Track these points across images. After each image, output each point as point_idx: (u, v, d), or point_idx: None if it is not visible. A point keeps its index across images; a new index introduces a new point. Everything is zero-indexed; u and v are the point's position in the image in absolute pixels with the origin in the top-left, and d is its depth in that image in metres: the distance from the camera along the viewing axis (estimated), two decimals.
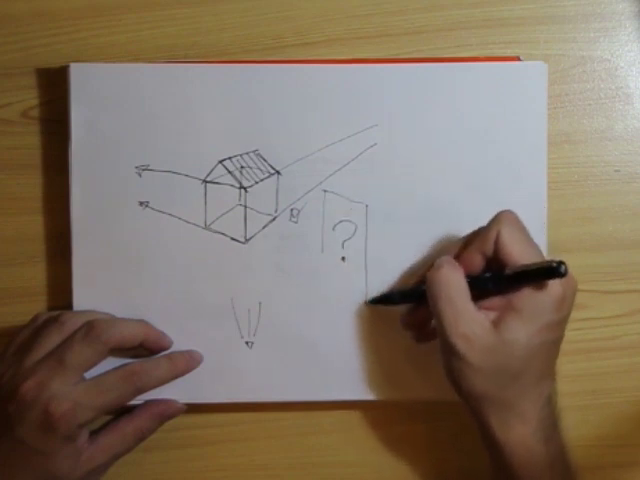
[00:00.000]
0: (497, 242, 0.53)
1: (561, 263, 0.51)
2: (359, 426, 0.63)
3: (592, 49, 0.62)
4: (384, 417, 0.63)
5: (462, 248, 0.56)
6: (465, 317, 0.52)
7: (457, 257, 0.56)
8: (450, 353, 0.53)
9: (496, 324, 0.52)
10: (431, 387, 0.59)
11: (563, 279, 0.52)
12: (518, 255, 0.53)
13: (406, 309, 0.59)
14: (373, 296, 0.60)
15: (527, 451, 0.53)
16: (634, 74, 0.63)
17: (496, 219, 0.54)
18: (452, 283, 0.53)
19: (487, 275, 0.54)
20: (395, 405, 0.62)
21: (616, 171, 0.63)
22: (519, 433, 0.53)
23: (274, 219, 0.60)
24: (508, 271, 0.53)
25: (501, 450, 0.54)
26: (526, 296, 0.52)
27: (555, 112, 0.62)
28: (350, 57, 0.61)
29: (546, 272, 0.51)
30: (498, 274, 0.53)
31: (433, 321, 0.56)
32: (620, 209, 0.63)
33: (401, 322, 0.59)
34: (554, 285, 0.52)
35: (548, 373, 0.55)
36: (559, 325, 0.54)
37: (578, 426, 0.62)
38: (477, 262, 0.55)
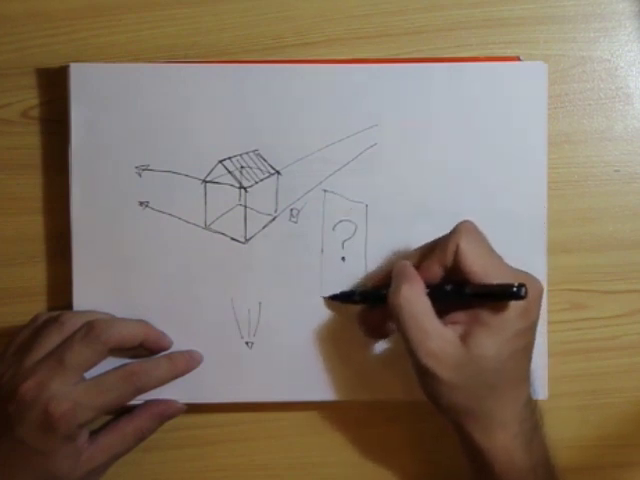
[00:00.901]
0: (457, 255, 0.53)
1: (521, 286, 0.51)
2: (358, 426, 0.63)
3: (592, 49, 0.62)
4: (384, 417, 0.63)
5: (421, 257, 0.56)
6: (432, 336, 0.52)
7: (416, 267, 0.55)
8: (422, 373, 0.53)
9: (463, 339, 0.52)
10: None
11: (529, 282, 0.52)
12: (479, 270, 0.53)
13: (362, 308, 0.59)
14: (333, 292, 0.60)
15: (509, 457, 0.53)
16: (634, 74, 0.63)
17: (455, 231, 0.54)
18: (415, 303, 0.53)
19: (448, 288, 0.54)
20: (395, 405, 0.62)
21: (616, 171, 0.63)
22: (501, 439, 0.53)
23: (274, 219, 0.60)
24: (469, 290, 0.53)
25: (483, 457, 0.54)
26: (491, 309, 0.52)
27: (555, 112, 0.62)
28: (350, 57, 0.61)
29: (507, 294, 0.51)
30: (459, 288, 0.53)
31: (390, 324, 0.56)
32: (620, 209, 0.63)
33: (357, 319, 0.59)
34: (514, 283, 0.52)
35: (523, 378, 0.55)
36: (528, 332, 0.54)
37: (578, 426, 0.63)
38: (436, 273, 0.54)
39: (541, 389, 0.60)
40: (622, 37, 0.63)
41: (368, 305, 0.59)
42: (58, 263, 0.61)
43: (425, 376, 0.53)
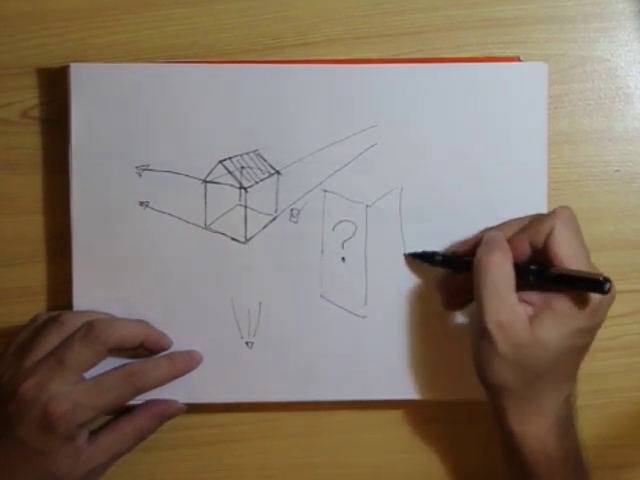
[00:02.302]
0: (549, 238, 0.53)
1: (607, 280, 0.51)
2: (359, 426, 0.63)
3: (592, 49, 0.62)
4: (384, 417, 0.63)
5: (511, 230, 0.56)
6: (507, 308, 0.52)
7: (508, 239, 0.55)
8: (483, 339, 0.53)
9: (532, 320, 0.52)
10: (432, 387, 0.59)
11: None
12: (566, 256, 0.53)
13: (444, 273, 0.59)
14: (414, 250, 0.60)
15: (541, 444, 0.54)
16: (634, 74, 0.63)
17: (554, 214, 0.54)
18: (502, 271, 0.53)
19: (532, 267, 0.54)
20: (395, 405, 0.62)
21: (616, 171, 0.63)
22: (535, 426, 0.54)
23: (274, 219, 0.60)
24: (553, 271, 0.53)
25: (515, 441, 0.54)
26: (565, 298, 0.52)
27: (555, 112, 0.62)
28: (350, 57, 0.61)
29: (590, 285, 0.51)
30: (542, 270, 0.53)
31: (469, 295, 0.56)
32: (620, 209, 0.63)
33: (437, 285, 0.59)
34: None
35: (571, 375, 0.55)
36: (590, 332, 0.54)
37: (578, 426, 0.62)
38: (525, 250, 0.54)
39: None
40: (622, 37, 0.63)
41: (449, 270, 0.59)
42: (58, 263, 0.61)
43: (485, 343, 0.53)
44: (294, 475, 0.63)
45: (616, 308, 0.62)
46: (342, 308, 0.60)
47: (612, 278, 0.62)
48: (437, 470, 0.63)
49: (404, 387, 0.61)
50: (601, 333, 0.62)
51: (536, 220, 0.55)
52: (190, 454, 0.63)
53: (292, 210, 0.60)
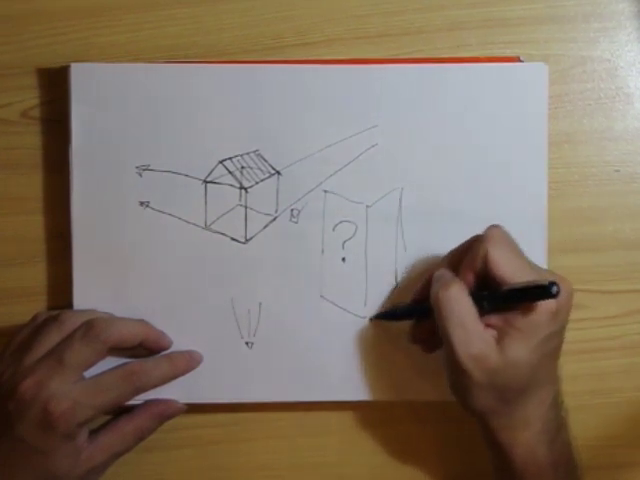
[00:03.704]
0: (487, 261, 0.53)
1: (552, 284, 0.51)
2: (359, 426, 0.63)
3: (592, 49, 0.62)
4: (384, 417, 0.63)
5: (450, 265, 0.56)
6: (475, 338, 0.52)
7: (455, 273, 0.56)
8: (458, 372, 0.53)
9: (497, 342, 0.52)
10: (431, 388, 0.59)
11: (560, 282, 0.52)
12: (507, 275, 0.53)
13: (411, 325, 0.59)
14: (377, 312, 0.60)
15: (531, 453, 0.54)
16: (634, 74, 0.63)
17: (484, 237, 0.54)
18: (462, 303, 0.53)
19: (484, 293, 0.54)
20: (395, 405, 0.62)
21: (616, 171, 0.63)
22: (523, 436, 0.54)
23: (274, 219, 0.60)
24: (502, 291, 0.53)
25: (504, 453, 0.54)
26: (523, 313, 0.52)
27: (555, 112, 0.62)
28: (350, 57, 0.61)
29: (539, 292, 0.51)
30: (493, 293, 0.53)
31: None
32: (620, 209, 0.63)
33: (408, 338, 0.60)
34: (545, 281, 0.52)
35: (550, 379, 0.55)
36: (558, 334, 0.54)
37: (578, 426, 0.62)
38: (469, 280, 0.55)
39: None
40: (622, 37, 0.63)
41: (415, 318, 0.59)
42: (58, 263, 0.61)
43: (460, 375, 0.53)
44: (295, 475, 0.63)
45: (616, 308, 0.62)
46: (342, 308, 0.60)
47: (612, 278, 0.62)
48: (442, 469, 0.63)
49: (405, 388, 0.61)
50: (601, 333, 0.63)
51: (471, 247, 0.55)
52: (190, 454, 0.63)
53: (292, 210, 0.60)
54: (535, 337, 0.52)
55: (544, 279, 0.52)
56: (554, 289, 0.50)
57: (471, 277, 0.54)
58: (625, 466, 0.63)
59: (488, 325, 0.53)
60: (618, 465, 0.63)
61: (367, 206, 0.60)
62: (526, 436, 0.54)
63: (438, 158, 0.60)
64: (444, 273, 0.55)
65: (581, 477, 0.57)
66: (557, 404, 0.55)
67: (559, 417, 0.55)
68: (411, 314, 0.59)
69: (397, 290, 0.60)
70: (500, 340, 0.52)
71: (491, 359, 0.52)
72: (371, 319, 0.60)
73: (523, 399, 0.53)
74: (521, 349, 0.52)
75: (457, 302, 0.53)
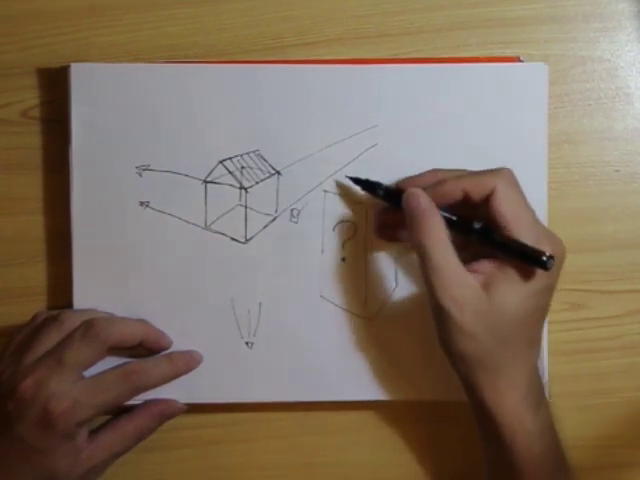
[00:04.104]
0: (492, 196, 0.53)
1: (550, 257, 0.51)
2: (359, 426, 0.63)
3: (592, 49, 0.62)
4: (384, 417, 0.63)
5: (451, 174, 0.55)
6: (455, 280, 0.52)
7: (439, 182, 0.55)
8: (441, 316, 0.53)
9: (486, 287, 0.52)
10: (431, 387, 0.59)
11: (553, 246, 0.52)
12: (511, 217, 0.53)
13: (383, 206, 0.59)
14: (356, 177, 0.59)
15: (518, 419, 0.53)
16: (634, 74, 0.63)
17: (495, 173, 0.54)
18: (439, 247, 0.52)
19: (475, 226, 0.53)
20: (395, 405, 0.62)
21: (616, 171, 0.63)
22: (509, 400, 0.53)
23: (274, 219, 0.60)
24: (497, 237, 0.52)
25: (491, 419, 0.54)
26: (516, 262, 0.52)
27: (555, 112, 0.62)
28: (350, 57, 0.61)
29: (533, 258, 0.51)
30: (486, 231, 0.53)
31: (406, 233, 0.55)
32: (620, 209, 0.63)
33: (374, 212, 0.59)
34: (546, 250, 0.52)
35: (536, 340, 0.55)
36: (547, 292, 0.54)
37: (578, 426, 0.62)
38: (456, 197, 0.54)
39: None
40: (622, 37, 0.63)
41: (389, 204, 0.58)
42: (58, 263, 0.61)
43: (443, 320, 0.53)
44: (294, 475, 0.63)
45: (616, 308, 0.62)
46: (342, 308, 0.60)
47: (612, 278, 0.62)
48: (442, 469, 0.63)
49: (405, 388, 0.61)
50: (601, 333, 0.63)
51: (478, 174, 0.54)
52: (190, 454, 0.63)
53: (292, 210, 0.60)
54: (526, 288, 0.52)
55: (542, 237, 0.52)
56: (549, 263, 0.51)
57: (459, 194, 0.54)
58: (625, 466, 0.63)
59: (477, 270, 0.53)
60: (618, 465, 0.63)
61: (367, 206, 0.60)
62: (513, 399, 0.53)
63: (438, 158, 0.60)
64: (418, 199, 0.54)
65: (564, 444, 0.56)
66: (538, 370, 0.55)
67: (541, 384, 0.55)
68: (390, 199, 0.57)
69: (397, 290, 0.60)
70: (489, 285, 0.52)
71: (473, 300, 0.52)
72: (347, 177, 0.59)
73: (509, 354, 0.53)
74: (509, 296, 0.52)
75: (433, 246, 0.52)
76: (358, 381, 0.60)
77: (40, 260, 0.62)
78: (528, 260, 0.52)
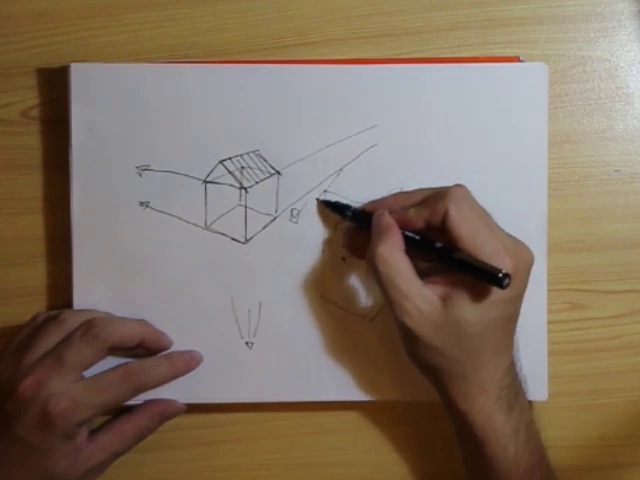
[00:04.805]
0: (445, 220, 0.53)
1: (505, 276, 0.50)
2: (358, 426, 0.63)
3: (592, 49, 0.62)
4: (384, 417, 0.63)
5: (409, 201, 0.56)
6: (410, 295, 0.52)
7: (402, 208, 0.55)
8: (402, 331, 0.53)
9: (444, 300, 0.52)
10: (431, 388, 0.59)
11: (516, 254, 0.52)
12: (465, 236, 0.52)
13: (351, 226, 0.59)
14: (329, 199, 0.60)
15: (488, 420, 0.54)
16: (634, 74, 0.63)
17: (446, 194, 0.54)
18: (391, 263, 0.53)
19: (437, 245, 0.53)
20: (395, 405, 0.62)
21: (616, 171, 0.63)
22: (479, 403, 0.54)
23: (274, 219, 0.60)
24: (456, 255, 0.52)
25: (464, 420, 0.54)
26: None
27: (555, 112, 0.62)
28: (350, 57, 0.61)
29: (488, 277, 0.51)
30: (444, 249, 0.53)
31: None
32: (620, 209, 0.63)
33: (342, 235, 0.59)
34: (505, 262, 0.52)
35: (505, 345, 0.55)
36: (513, 301, 0.54)
37: (578, 426, 0.63)
38: (419, 225, 0.54)
39: (541, 389, 0.60)
40: (622, 37, 0.63)
41: (356, 225, 0.58)
42: (58, 263, 0.61)
43: (405, 334, 0.53)
44: (294, 475, 0.63)
45: (616, 308, 0.62)
46: (342, 308, 0.60)
47: (612, 278, 0.62)
48: (442, 469, 0.63)
49: (405, 388, 0.61)
50: (601, 333, 0.63)
51: (432, 199, 0.54)
52: (190, 454, 0.63)
53: (292, 210, 0.60)
54: (485, 300, 0.52)
55: (502, 249, 0.52)
56: (505, 282, 0.50)
57: (421, 223, 0.54)
58: (625, 466, 0.63)
59: (436, 282, 0.53)
60: (618, 465, 0.63)
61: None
62: (482, 403, 0.53)
63: (438, 158, 0.60)
64: (381, 219, 0.55)
65: (544, 446, 0.56)
66: (513, 372, 0.55)
67: (515, 385, 0.55)
68: (356, 220, 0.58)
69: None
70: (447, 298, 0.52)
71: (431, 315, 0.52)
72: (319, 200, 0.60)
73: (475, 362, 0.53)
74: (468, 309, 0.52)
75: (386, 262, 0.53)
76: (358, 381, 0.60)
77: (40, 260, 0.62)
78: (484, 279, 0.51)
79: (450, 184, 0.59)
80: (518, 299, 0.54)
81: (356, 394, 0.61)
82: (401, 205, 0.56)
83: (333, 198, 0.60)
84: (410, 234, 0.55)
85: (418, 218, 0.54)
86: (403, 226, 0.55)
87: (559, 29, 0.62)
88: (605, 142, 0.63)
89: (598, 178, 0.63)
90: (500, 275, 0.50)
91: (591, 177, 0.63)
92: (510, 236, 0.54)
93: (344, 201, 0.59)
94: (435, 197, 0.54)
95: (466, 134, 0.60)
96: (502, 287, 0.50)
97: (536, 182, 0.60)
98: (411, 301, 0.52)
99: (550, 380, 0.61)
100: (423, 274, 0.54)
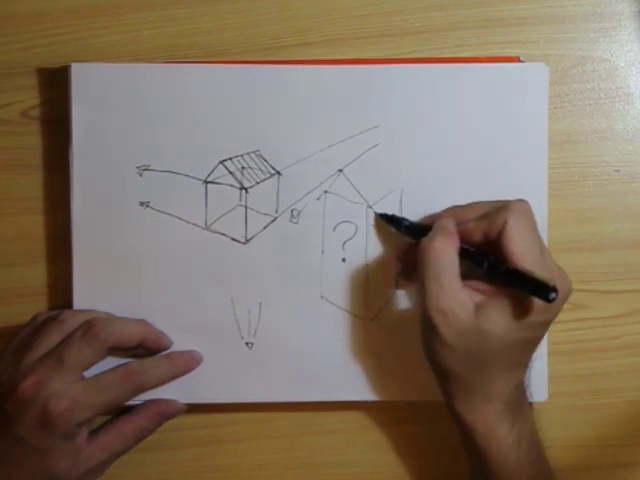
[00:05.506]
0: (502, 232, 0.53)
1: (554, 290, 0.50)
2: (359, 426, 0.63)
3: (592, 49, 0.63)
4: (384, 417, 0.63)
5: (476, 215, 0.55)
6: (448, 294, 0.52)
7: (460, 222, 0.55)
8: (427, 325, 0.53)
9: (478, 309, 0.52)
10: (432, 388, 0.59)
11: (559, 282, 0.51)
12: (517, 251, 0.52)
13: (406, 244, 0.59)
14: (385, 212, 0.60)
15: (492, 430, 0.54)
16: (634, 74, 0.63)
17: (508, 207, 0.54)
18: (442, 258, 0.53)
19: (489, 257, 0.53)
20: (395, 405, 0.62)
21: (616, 171, 0.63)
22: (483, 412, 0.54)
23: (274, 220, 0.60)
24: (506, 266, 0.52)
25: (466, 428, 0.54)
26: (514, 293, 0.52)
27: (555, 112, 0.62)
28: (350, 57, 0.61)
29: (537, 289, 0.50)
30: (495, 262, 0.53)
31: None
32: (620, 209, 0.63)
33: (397, 253, 0.60)
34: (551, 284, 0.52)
35: (521, 365, 0.55)
36: (542, 326, 0.54)
37: (578, 426, 0.63)
38: (477, 238, 0.54)
39: (541, 389, 0.60)
40: (622, 37, 0.63)
41: (411, 240, 0.58)
42: (58, 263, 0.61)
43: (428, 329, 0.53)
44: (294, 475, 0.63)
45: (616, 308, 0.63)
46: (342, 308, 0.60)
47: (612, 278, 0.62)
48: (442, 469, 0.63)
49: (405, 389, 0.61)
50: (601, 333, 0.63)
51: (493, 211, 0.54)
52: (190, 454, 0.63)
53: (292, 211, 0.60)
54: (517, 318, 0.52)
55: (549, 278, 0.51)
56: (552, 295, 0.50)
57: (479, 236, 0.54)
58: (625, 466, 0.63)
59: (477, 289, 0.53)
60: (618, 465, 0.63)
61: (367, 206, 0.60)
62: (486, 413, 0.54)
63: (439, 159, 0.60)
64: (447, 222, 0.55)
65: (546, 460, 0.56)
66: (521, 388, 0.55)
67: (521, 401, 0.55)
68: (413, 233, 0.58)
69: (397, 291, 0.60)
70: (481, 306, 0.52)
71: (461, 319, 0.52)
72: (376, 213, 0.60)
73: (488, 373, 0.53)
74: (497, 322, 0.52)
75: (437, 254, 0.53)
76: (358, 381, 0.60)
77: (40, 260, 0.62)
78: (532, 290, 0.51)
79: (450, 184, 0.59)
80: (547, 325, 0.54)
81: (356, 394, 0.61)
82: (458, 219, 0.56)
83: (336, 199, 0.60)
84: (465, 245, 0.54)
85: (477, 230, 0.54)
86: (461, 238, 0.54)
87: (559, 29, 0.62)
88: (605, 142, 0.63)
89: (598, 178, 0.63)
90: (552, 286, 0.50)
91: (591, 177, 0.63)
92: (556, 264, 0.54)
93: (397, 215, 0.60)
94: (496, 209, 0.54)
95: (466, 134, 0.60)
96: (549, 301, 0.50)
97: (536, 182, 0.60)
98: (447, 299, 0.52)
99: (550, 380, 0.61)
100: (465, 278, 0.53)
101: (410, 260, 0.58)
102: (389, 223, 0.60)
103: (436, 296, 0.52)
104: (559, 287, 0.51)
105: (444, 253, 0.53)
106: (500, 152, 0.60)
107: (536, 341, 0.55)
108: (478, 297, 0.53)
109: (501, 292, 0.52)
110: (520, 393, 0.55)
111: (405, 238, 0.59)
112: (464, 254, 0.54)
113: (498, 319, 0.52)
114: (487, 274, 0.53)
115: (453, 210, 0.57)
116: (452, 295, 0.52)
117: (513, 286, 0.52)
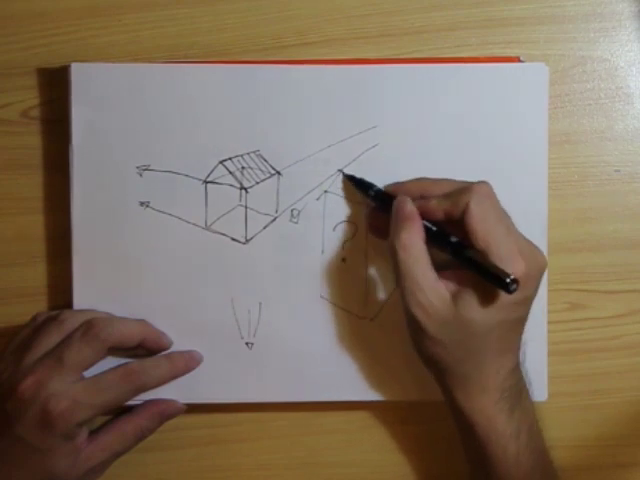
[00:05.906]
0: (465, 214, 0.53)
1: (513, 282, 0.50)
2: (359, 426, 0.63)
3: (592, 49, 0.63)
4: (384, 417, 0.63)
5: (437, 189, 0.56)
6: (424, 288, 0.52)
7: (424, 196, 0.55)
8: (411, 323, 0.53)
9: (455, 297, 0.52)
10: (431, 388, 0.59)
11: (530, 258, 0.52)
12: (480, 233, 0.52)
13: (374, 206, 0.59)
14: (354, 174, 0.60)
15: (489, 421, 0.54)
16: (634, 74, 0.63)
17: (469, 189, 0.54)
18: (411, 253, 0.53)
19: (452, 240, 0.53)
20: (395, 405, 0.62)
21: (616, 171, 0.63)
22: (480, 403, 0.54)
23: (274, 220, 0.60)
24: (467, 253, 0.52)
25: (465, 419, 0.54)
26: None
27: (555, 112, 0.62)
28: (350, 57, 0.61)
29: (496, 279, 0.51)
30: (459, 247, 0.53)
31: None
32: (620, 209, 0.63)
33: (366, 216, 0.60)
34: (517, 265, 0.52)
35: (510, 348, 0.55)
36: (521, 305, 0.54)
37: (578, 426, 0.63)
38: (439, 217, 0.54)
39: (541, 389, 0.60)
40: (622, 37, 0.63)
41: (378, 205, 0.58)
42: (58, 263, 0.61)
43: (412, 326, 0.54)
44: (294, 475, 0.63)
45: (616, 308, 0.63)
46: (342, 308, 0.60)
47: (612, 278, 0.62)
48: (442, 469, 0.63)
49: (405, 388, 0.61)
50: (601, 333, 0.63)
51: (455, 192, 0.54)
52: (190, 454, 0.63)
53: (292, 211, 0.60)
54: (494, 301, 0.52)
55: (516, 251, 0.52)
56: (512, 287, 0.50)
57: (441, 215, 0.54)
58: (625, 466, 0.63)
59: (450, 279, 0.53)
60: (618, 465, 0.63)
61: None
62: (483, 403, 0.54)
63: (438, 158, 0.60)
64: (404, 205, 0.55)
65: (546, 449, 0.56)
66: (517, 373, 0.55)
67: (519, 387, 0.55)
68: (379, 200, 0.58)
69: (397, 291, 0.60)
70: (457, 295, 0.52)
71: (440, 310, 0.52)
72: (344, 173, 0.60)
73: (477, 362, 0.53)
74: (474, 309, 0.52)
75: (406, 251, 0.53)
76: (358, 381, 0.60)
77: (40, 260, 0.62)
78: (492, 281, 0.51)
79: None
80: (527, 303, 0.54)
81: (356, 394, 0.61)
82: (423, 193, 0.56)
83: (336, 199, 0.60)
84: (428, 224, 0.54)
85: (439, 209, 0.54)
86: (423, 215, 0.54)
87: (559, 29, 0.62)
88: (605, 142, 0.63)
89: (598, 178, 0.63)
90: (508, 280, 0.50)
91: (591, 177, 0.63)
92: (526, 240, 0.54)
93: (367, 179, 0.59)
94: (458, 191, 0.54)
95: (466, 134, 0.60)
96: (509, 292, 0.50)
97: (536, 182, 0.60)
98: (424, 294, 0.52)
99: (550, 380, 0.61)
100: (438, 266, 0.54)
101: (376, 222, 0.58)
102: (356, 187, 0.59)
103: (412, 292, 0.53)
104: (530, 264, 0.52)
105: (412, 247, 0.53)
106: (500, 152, 0.60)
107: (520, 321, 0.55)
108: (453, 286, 0.53)
109: (473, 277, 0.52)
110: (516, 380, 0.55)
111: (370, 203, 0.59)
112: (429, 234, 0.54)
113: (474, 305, 0.52)
114: (453, 256, 0.53)
115: (420, 183, 0.57)
116: (428, 288, 0.52)
117: (477, 273, 0.52)
